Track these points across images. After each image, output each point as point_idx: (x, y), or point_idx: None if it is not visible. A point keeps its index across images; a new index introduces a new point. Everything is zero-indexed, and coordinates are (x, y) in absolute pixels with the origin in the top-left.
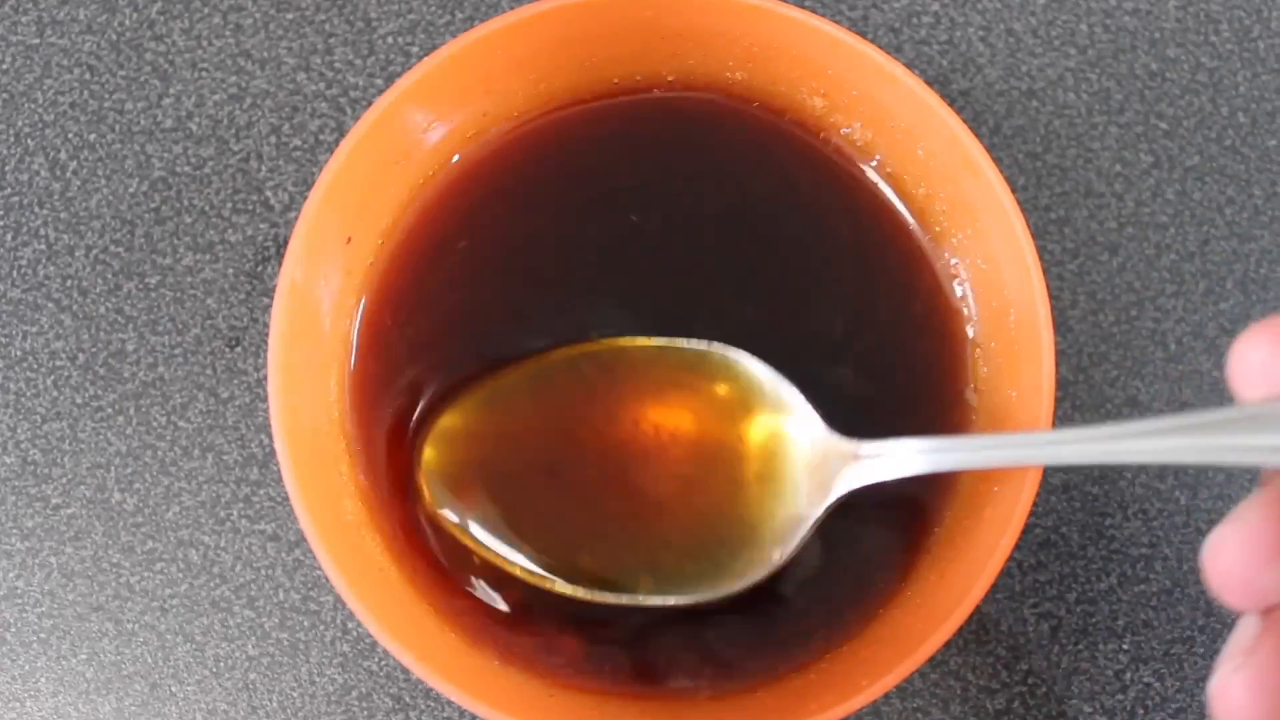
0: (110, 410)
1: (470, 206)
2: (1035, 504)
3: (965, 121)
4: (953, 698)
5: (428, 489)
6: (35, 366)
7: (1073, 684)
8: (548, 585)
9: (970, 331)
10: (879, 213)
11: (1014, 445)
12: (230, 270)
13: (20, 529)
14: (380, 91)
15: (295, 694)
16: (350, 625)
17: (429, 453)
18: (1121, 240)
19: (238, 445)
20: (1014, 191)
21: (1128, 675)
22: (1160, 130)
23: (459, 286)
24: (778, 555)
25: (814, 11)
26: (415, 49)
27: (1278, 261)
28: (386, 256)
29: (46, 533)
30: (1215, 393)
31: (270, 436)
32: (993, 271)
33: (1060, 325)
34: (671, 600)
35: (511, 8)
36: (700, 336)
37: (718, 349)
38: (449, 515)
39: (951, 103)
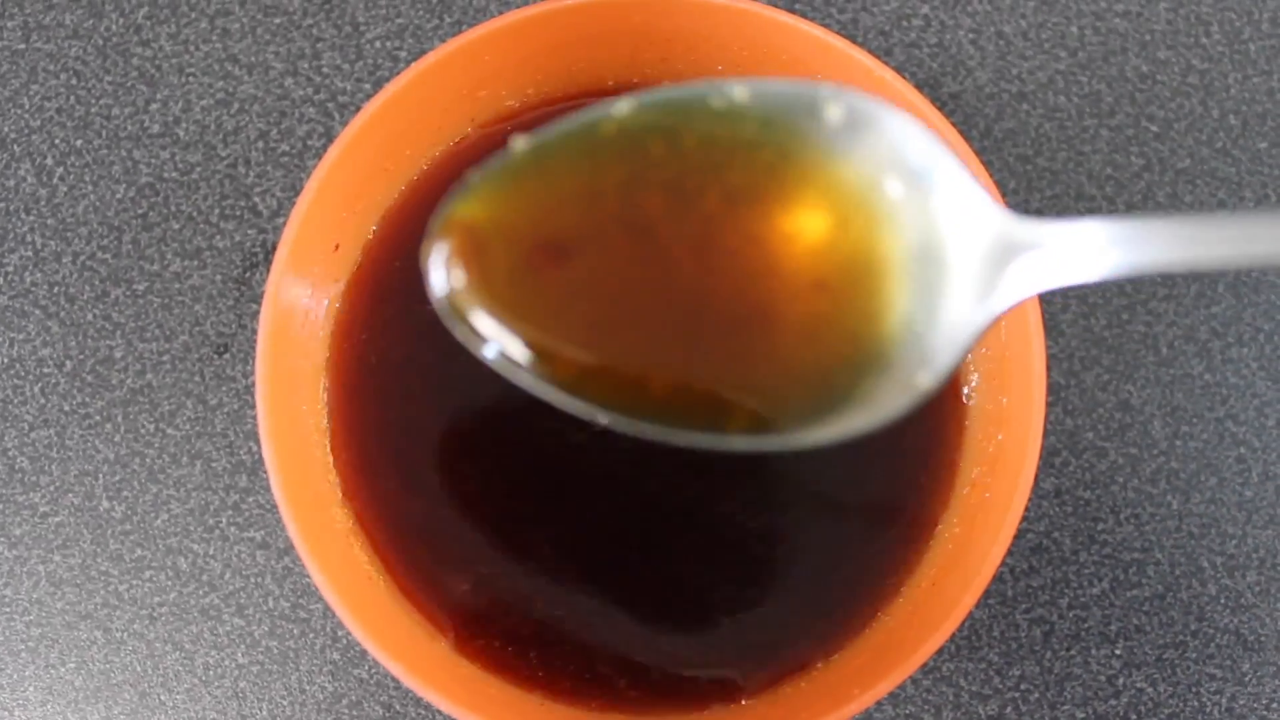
0: (98, 417)
1: None
2: (1027, 509)
3: (955, 125)
4: (945, 704)
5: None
6: (22, 374)
7: (1065, 689)
8: (597, 420)
9: None
10: None
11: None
12: (218, 276)
13: (8, 537)
14: (368, 96)
15: (285, 702)
16: (340, 633)
17: (472, 214)
18: None
19: (226, 452)
20: (1004, 196)
21: (1120, 680)
22: (1151, 133)
23: None
24: (924, 379)
25: (803, 15)
26: (403, 54)
27: None
28: (374, 262)
29: (34, 540)
30: (1207, 396)
31: (259, 444)
32: None
33: (1051, 329)
34: (774, 443)
35: (499, 12)
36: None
37: (840, 91)
38: (483, 319)
39: (942, 106)
